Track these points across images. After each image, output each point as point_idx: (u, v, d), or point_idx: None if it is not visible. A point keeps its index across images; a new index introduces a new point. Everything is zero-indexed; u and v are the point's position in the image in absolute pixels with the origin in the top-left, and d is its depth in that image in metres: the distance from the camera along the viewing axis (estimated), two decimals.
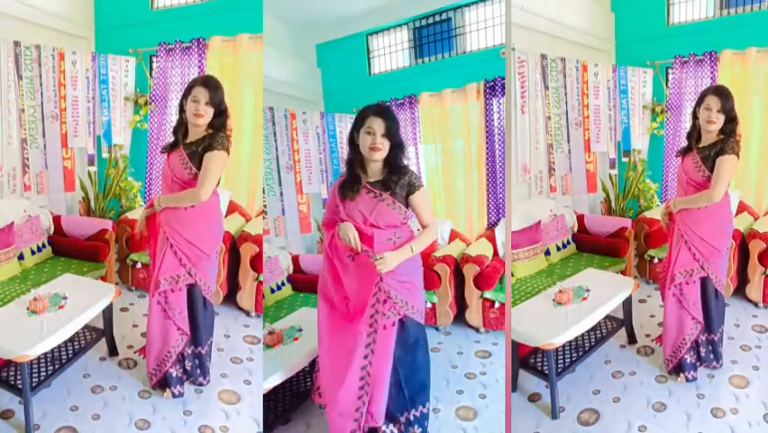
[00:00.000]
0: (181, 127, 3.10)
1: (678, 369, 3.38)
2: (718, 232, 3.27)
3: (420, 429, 2.81)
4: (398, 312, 2.67)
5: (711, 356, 3.41)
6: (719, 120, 3.13)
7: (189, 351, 3.26)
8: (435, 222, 2.76)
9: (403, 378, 2.74)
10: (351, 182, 2.63)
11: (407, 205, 2.67)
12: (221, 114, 3.08)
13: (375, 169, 2.63)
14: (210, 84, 3.05)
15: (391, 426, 2.77)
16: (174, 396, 3.21)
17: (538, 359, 3.44)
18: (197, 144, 3.05)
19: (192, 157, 3.04)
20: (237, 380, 3.41)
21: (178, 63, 4.35)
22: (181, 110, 3.10)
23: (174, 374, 3.22)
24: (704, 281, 3.31)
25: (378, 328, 2.64)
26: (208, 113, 3.03)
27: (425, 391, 2.83)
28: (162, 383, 3.24)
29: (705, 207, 3.19)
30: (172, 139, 3.17)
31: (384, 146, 2.56)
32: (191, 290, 3.19)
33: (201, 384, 3.31)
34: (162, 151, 3.23)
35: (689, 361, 3.36)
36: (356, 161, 2.63)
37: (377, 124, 2.55)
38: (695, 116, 3.24)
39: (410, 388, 2.77)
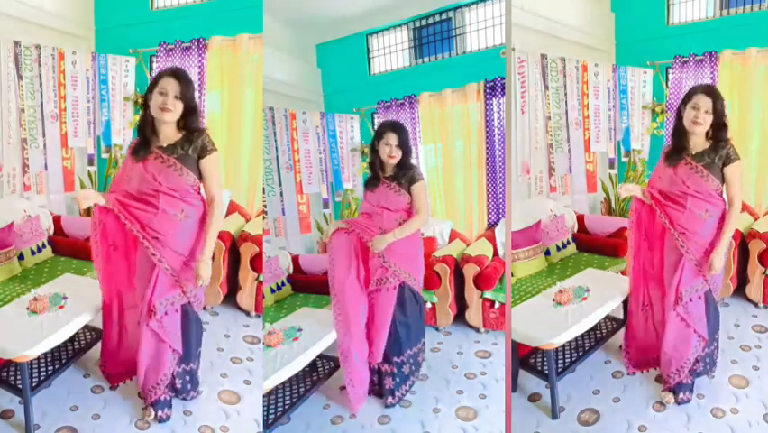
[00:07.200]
0: (147, 126, 2.78)
1: (673, 388, 3.19)
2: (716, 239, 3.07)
3: (409, 367, 3.35)
4: (398, 278, 3.26)
5: (708, 368, 3.26)
6: (706, 122, 2.92)
7: (180, 369, 3.08)
8: (426, 211, 3.32)
9: (399, 329, 3.31)
10: (373, 179, 3.40)
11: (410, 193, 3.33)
12: (192, 112, 2.79)
13: (390, 169, 3.36)
14: (180, 76, 2.75)
15: (386, 365, 3.32)
16: (160, 421, 3.04)
17: (538, 359, 3.44)
18: (181, 147, 2.80)
19: (183, 161, 2.79)
20: (237, 380, 3.41)
21: (178, 63, 4.33)
22: (146, 106, 2.77)
23: (162, 397, 3.04)
24: (705, 294, 3.12)
25: (381, 289, 3.27)
26: (177, 108, 2.72)
27: (417, 338, 3.40)
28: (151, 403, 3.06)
29: (707, 219, 3.00)
30: (138, 139, 2.86)
31: (398, 154, 3.30)
32: (184, 308, 2.99)
33: (193, 397, 3.18)
34: (135, 156, 2.84)
35: (685, 382, 3.17)
36: (377, 163, 3.36)
37: (393, 139, 3.28)
38: (679, 115, 3.00)
39: (403, 337, 3.31)
